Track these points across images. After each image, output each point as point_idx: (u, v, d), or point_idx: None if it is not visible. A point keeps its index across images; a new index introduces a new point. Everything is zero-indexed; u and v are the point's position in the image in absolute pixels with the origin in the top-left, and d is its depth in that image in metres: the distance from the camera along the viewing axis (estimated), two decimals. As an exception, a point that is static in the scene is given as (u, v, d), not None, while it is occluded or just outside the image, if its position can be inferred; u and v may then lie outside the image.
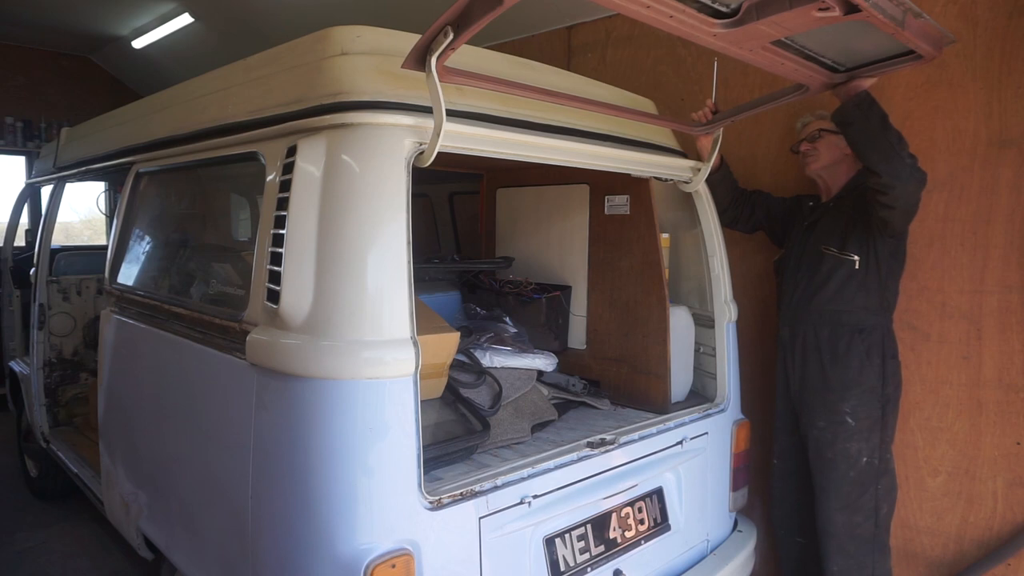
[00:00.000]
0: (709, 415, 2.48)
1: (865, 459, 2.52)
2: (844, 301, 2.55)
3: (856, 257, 2.52)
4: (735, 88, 3.28)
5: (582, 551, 1.99)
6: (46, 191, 4.19)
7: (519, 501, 1.79)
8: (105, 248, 2.87)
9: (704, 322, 2.67)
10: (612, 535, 2.08)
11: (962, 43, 2.59)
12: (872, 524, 2.53)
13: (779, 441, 2.80)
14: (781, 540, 2.87)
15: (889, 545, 2.60)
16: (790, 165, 3.02)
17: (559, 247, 2.88)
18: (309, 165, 1.61)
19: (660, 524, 2.25)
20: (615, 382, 2.66)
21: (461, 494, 1.68)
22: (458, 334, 2.10)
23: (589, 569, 1.99)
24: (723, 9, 1.49)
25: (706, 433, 2.44)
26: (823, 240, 2.61)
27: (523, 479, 1.81)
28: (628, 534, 2.13)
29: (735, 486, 2.58)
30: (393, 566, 1.52)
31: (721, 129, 2.45)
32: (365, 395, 1.53)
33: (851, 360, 2.53)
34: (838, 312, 2.56)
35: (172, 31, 6.04)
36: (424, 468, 1.60)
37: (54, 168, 3.67)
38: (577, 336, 2.82)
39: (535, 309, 2.77)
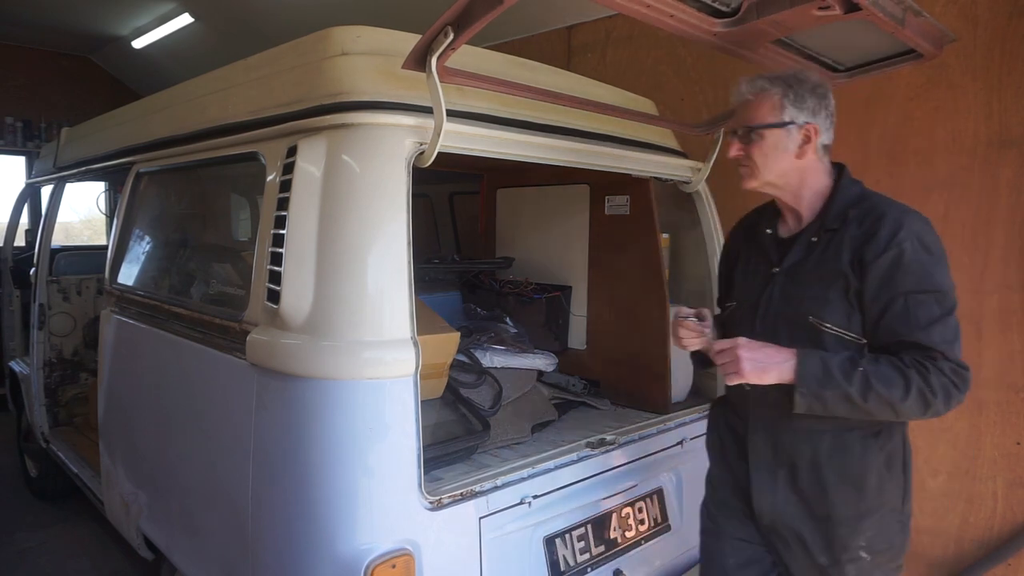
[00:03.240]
0: (709, 415, 2.47)
1: None
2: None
3: (865, 341, 1.54)
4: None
5: (582, 551, 1.99)
6: (46, 191, 4.18)
7: (519, 501, 1.78)
8: (105, 248, 2.87)
9: (704, 322, 2.66)
10: (612, 535, 2.08)
11: (962, 43, 2.59)
12: None
13: None
14: None
15: None
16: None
17: (559, 247, 2.88)
18: (309, 165, 1.61)
19: (660, 524, 2.25)
20: (615, 382, 2.66)
21: (461, 494, 1.68)
22: (458, 334, 2.10)
23: (589, 569, 1.99)
24: (723, 8, 1.50)
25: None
26: (810, 304, 1.57)
27: (523, 479, 1.81)
28: (628, 534, 2.13)
29: (735, 486, 2.58)
30: (393, 566, 1.52)
31: (721, 130, 2.45)
32: (365, 395, 1.53)
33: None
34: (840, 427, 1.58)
35: (172, 31, 6.05)
36: (424, 468, 1.60)
37: (54, 168, 3.67)
38: (577, 336, 2.81)
39: (535, 309, 2.78)
